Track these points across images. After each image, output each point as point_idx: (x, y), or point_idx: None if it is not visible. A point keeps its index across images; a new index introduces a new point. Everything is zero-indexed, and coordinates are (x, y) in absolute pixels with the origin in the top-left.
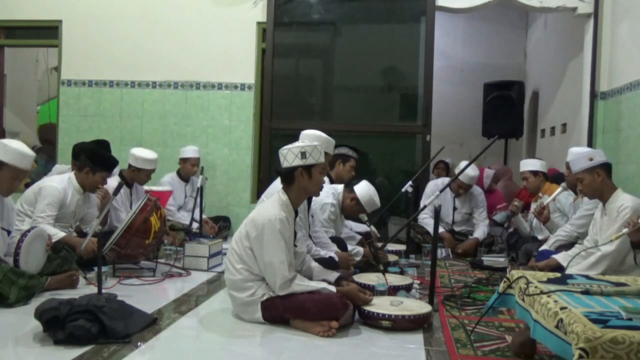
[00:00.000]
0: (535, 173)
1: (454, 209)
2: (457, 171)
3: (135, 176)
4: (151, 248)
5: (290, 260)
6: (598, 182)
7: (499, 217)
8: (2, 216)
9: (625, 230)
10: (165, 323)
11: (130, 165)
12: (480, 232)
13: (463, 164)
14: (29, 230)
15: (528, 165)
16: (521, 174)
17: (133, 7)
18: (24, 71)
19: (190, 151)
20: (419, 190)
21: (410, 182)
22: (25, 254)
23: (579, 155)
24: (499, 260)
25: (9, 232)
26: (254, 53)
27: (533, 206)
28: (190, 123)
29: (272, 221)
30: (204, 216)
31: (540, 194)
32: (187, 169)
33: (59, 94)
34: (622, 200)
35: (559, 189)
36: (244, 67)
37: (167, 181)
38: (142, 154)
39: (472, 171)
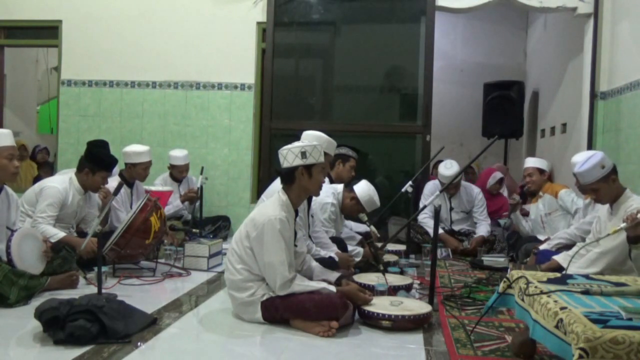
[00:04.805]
0: (541, 171)
1: (451, 208)
2: (439, 170)
3: (133, 172)
4: (151, 248)
5: (290, 260)
6: (614, 188)
7: (503, 222)
8: (8, 216)
9: (623, 224)
10: (165, 323)
11: (126, 164)
12: (483, 229)
13: (443, 166)
14: (15, 231)
15: (535, 162)
16: (526, 169)
17: (133, 7)
18: (24, 71)
19: (178, 158)
20: (419, 190)
21: (410, 182)
22: (17, 255)
23: (589, 165)
24: (499, 260)
25: (13, 232)
26: (254, 53)
27: (533, 207)
28: (190, 123)
29: (272, 221)
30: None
31: (540, 193)
32: (176, 174)
33: (59, 94)
34: (631, 201)
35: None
36: (244, 67)
37: (159, 183)
38: (133, 148)
39: (445, 170)
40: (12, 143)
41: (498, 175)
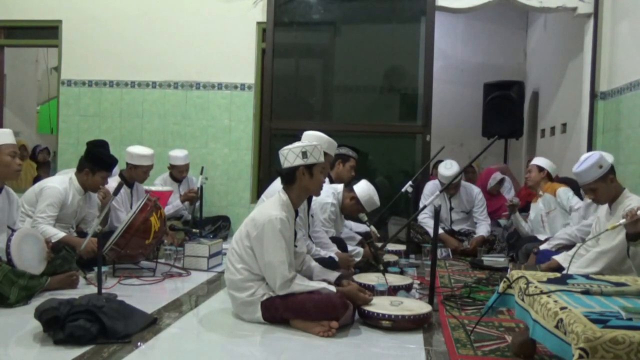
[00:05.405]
0: (540, 169)
1: (451, 208)
2: (439, 171)
3: (134, 174)
4: (151, 248)
5: (291, 260)
6: (612, 187)
7: (503, 222)
8: (9, 214)
9: (622, 220)
10: (165, 323)
11: (127, 164)
12: (483, 229)
13: (443, 166)
14: (15, 231)
15: (538, 160)
16: (529, 166)
17: (133, 7)
18: (24, 71)
19: (178, 159)
20: (419, 190)
21: (410, 182)
22: (17, 255)
23: (586, 166)
24: (499, 260)
25: (14, 231)
26: (254, 53)
27: (533, 207)
28: (190, 123)
29: (272, 221)
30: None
31: (540, 192)
32: (176, 174)
33: (59, 94)
34: (629, 201)
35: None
36: (244, 67)
37: (159, 183)
38: (137, 150)
39: (445, 170)
40: (13, 141)
41: (498, 176)
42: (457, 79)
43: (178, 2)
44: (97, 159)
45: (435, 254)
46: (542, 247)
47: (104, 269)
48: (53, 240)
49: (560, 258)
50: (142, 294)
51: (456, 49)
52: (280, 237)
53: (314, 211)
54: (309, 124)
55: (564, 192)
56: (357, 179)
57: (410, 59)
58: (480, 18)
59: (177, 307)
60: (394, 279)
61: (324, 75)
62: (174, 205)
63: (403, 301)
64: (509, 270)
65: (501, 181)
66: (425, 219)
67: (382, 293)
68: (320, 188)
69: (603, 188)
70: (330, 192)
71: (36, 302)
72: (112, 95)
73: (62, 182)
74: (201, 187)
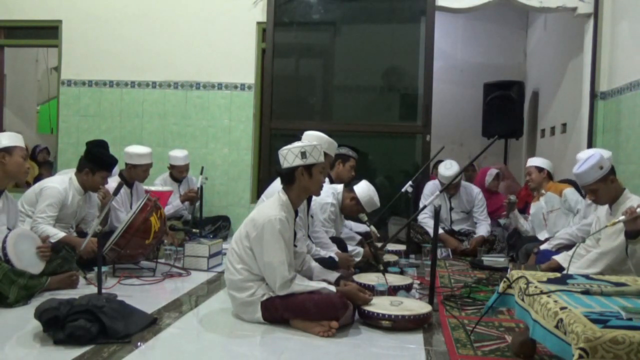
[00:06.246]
0: (540, 169)
1: (451, 208)
2: (439, 171)
3: (133, 173)
4: (151, 248)
5: (290, 261)
6: (612, 188)
7: (503, 222)
8: (9, 216)
9: (622, 217)
10: (165, 323)
11: (126, 164)
12: (483, 229)
13: (443, 166)
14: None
15: (534, 161)
16: (526, 169)
17: (133, 7)
18: (24, 71)
19: (178, 159)
20: (419, 190)
21: (410, 182)
22: (14, 255)
23: (587, 167)
24: (499, 260)
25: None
26: (254, 53)
27: (534, 204)
28: (190, 123)
29: (272, 221)
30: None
31: (543, 191)
32: (176, 174)
33: (59, 94)
34: (630, 202)
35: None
36: (244, 67)
37: (159, 183)
38: (135, 149)
39: (445, 170)
40: (23, 145)
41: (494, 171)
42: (457, 79)
43: (178, 2)
44: (97, 159)
45: (435, 254)
46: (543, 247)
47: (104, 269)
48: (53, 241)
49: (560, 258)
50: (142, 294)
51: (456, 49)
52: (279, 237)
53: (313, 211)
54: (309, 124)
55: (573, 192)
56: (357, 179)
57: (410, 59)
58: (480, 18)
59: (177, 307)
60: (394, 279)
61: (324, 75)
62: (174, 205)
63: (403, 301)
64: (509, 270)
65: (497, 176)
66: (425, 219)
67: (382, 293)
68: (320, 188)
69: (603, 189)
70: (330, 192)
71: (36, 302)
72: (112, 95)
73: (62, 182)
74: (201, 187)
